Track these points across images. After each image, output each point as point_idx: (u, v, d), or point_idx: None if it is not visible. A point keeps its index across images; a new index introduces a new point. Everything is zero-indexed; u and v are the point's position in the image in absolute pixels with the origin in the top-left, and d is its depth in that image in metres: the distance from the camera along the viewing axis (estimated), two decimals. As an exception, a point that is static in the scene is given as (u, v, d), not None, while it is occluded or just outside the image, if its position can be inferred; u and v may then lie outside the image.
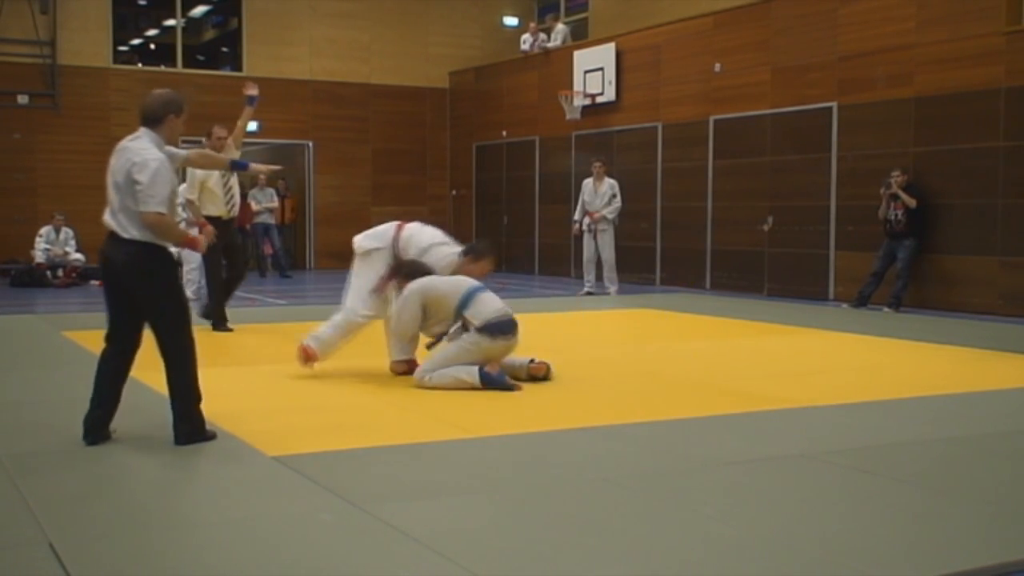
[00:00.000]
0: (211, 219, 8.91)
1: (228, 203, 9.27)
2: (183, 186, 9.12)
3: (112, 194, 4.81)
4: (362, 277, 7.01)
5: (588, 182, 13.89)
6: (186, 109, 5.00)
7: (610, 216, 13.63)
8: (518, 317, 6.70)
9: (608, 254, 13.68)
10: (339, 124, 19.65)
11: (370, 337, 8.83)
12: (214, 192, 9.20)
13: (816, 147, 13.18)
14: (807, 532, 3.67)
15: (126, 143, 4.90)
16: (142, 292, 4.83)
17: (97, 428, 4.85)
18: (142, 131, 4.89)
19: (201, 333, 9.48)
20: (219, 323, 9.35)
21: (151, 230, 4.73)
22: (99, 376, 4.93)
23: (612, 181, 13.74)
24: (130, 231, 4.75)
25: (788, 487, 4.30)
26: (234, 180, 9.35)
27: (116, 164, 4.83)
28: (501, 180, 19.34)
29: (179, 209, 12.91)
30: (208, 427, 4.96)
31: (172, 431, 4.87)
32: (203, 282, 13.19)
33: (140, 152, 4.77)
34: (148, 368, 6.96)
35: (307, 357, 6.93)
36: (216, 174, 9.13)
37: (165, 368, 4.92)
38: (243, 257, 9.89)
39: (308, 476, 4.31)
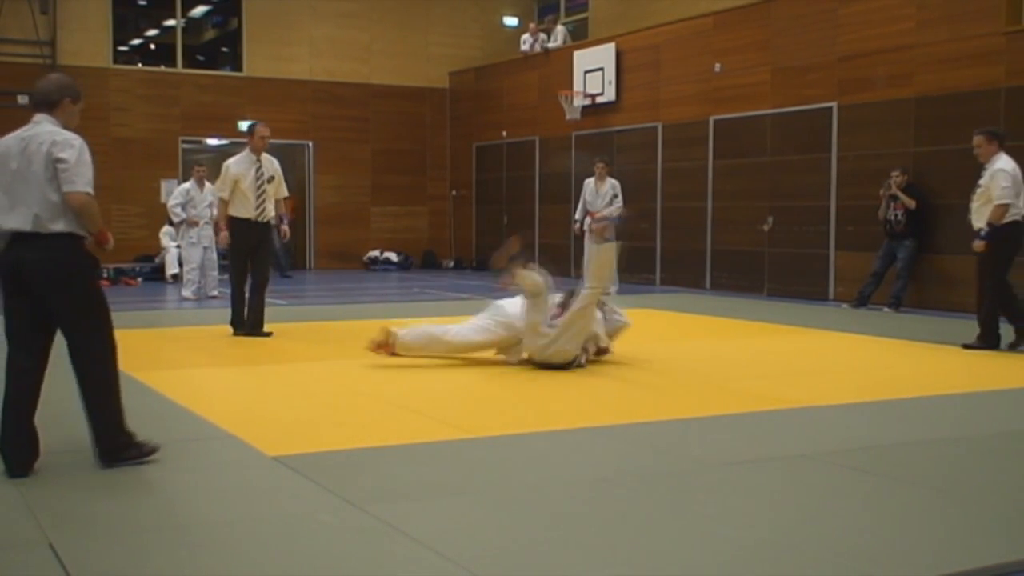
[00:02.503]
0: (239, 220, 8.85)
1: (259, 207, 8.93)
2: (216, 183, 8.96)
3: (16, 190, 4.32)
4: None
5: (589, 182, 13.90)
6: (82, 98, 4.61)
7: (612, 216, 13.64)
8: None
9: (609, 254, 13.67)
10: (339, 124, 19.65)
11: (371, 336, 8.82)
12: (246, 195, 8.89)
13: (816, 147, 13.18)
14: (807, 532, 3.67)
15: (25, 132, 4.42)
16: (60, 294, 4.33)
17: (29, 465, 4.35)
18: (40, 117, 4.45)
19: (199, 334, 9.53)
20: (256, 329, 9.02)
21: (80, 212, 4.30)
22: (9, 402, 4.39)
23: (614, 181, 13.76)
24: (55, 224, 4.29)
25: (788, 487, 4.30)
26: (269, 187, 9.02)
27: (23, 153, 4.33)
28: (501, 180, 19.34)
29: (178, 209, 13.03)
30: (146, 440, 4.55)
31: (95, 453, 4.47)
32: (203, 282, 13.25)
33: (56, 133, 4.37)
34: (149, 368, 6.99)
35: (382, 348, 7.32)
36: (251, 176, 8.90)
37: (81, 382, 4.44)
38: (268, 260, 9.32)
39: (308, 476, 4.31)
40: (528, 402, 6.18)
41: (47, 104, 4.47)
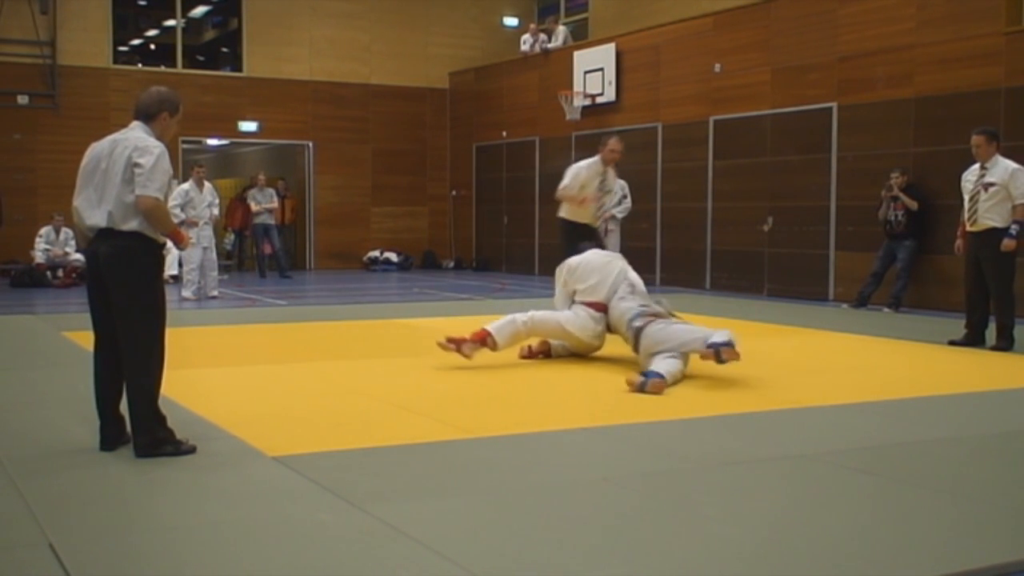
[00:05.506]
0: (576, 224, 8.94)
1: (596, 214, 9.28)
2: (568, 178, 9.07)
3: (101, 188, 4.65)
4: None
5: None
6: (182, 110, 4.90)
7: (620, 216, 13.65)
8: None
9: (612, 255, 13.69)
10: (339, 124, 19.65)
11: (372, 336, 8.84)
12: (587, 201, 9.15)
13: (816, 147, 13.17)
14: (807, 532, 3.67)
15: (118, 135, 4.76)
16: (119, 283, 4.60)
17: (114, 443, 4.72)
18: (136, 124, 4.78)
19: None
20: None
21: (148, 215, 4.57)
22: (98, 392, 4.74)
23: (622, 182, 13.73)
24: (126, 223, 4.60)
25: (788, 487, 4.30)
26: (606, 198, 9.33)
27: (111, 155, 4.66)
28: (501, 180, 19.34)
29: (177, 210, 13.02)
30: (184, 439, 4.71)
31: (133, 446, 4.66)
32: (203, 283, 13.24)
33: (141, 139, 4.66)
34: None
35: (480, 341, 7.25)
36: (595, 185, 9.11)
37: (125, 371, 4.65)
38: None
39: (308, 476, 4.30)
40: (528, 402, 6.17)
41: (146, 116, 4.80)
